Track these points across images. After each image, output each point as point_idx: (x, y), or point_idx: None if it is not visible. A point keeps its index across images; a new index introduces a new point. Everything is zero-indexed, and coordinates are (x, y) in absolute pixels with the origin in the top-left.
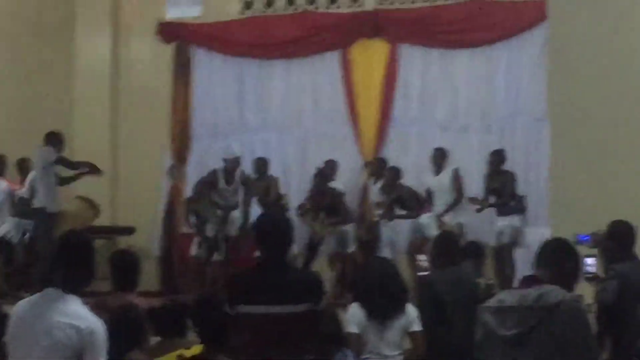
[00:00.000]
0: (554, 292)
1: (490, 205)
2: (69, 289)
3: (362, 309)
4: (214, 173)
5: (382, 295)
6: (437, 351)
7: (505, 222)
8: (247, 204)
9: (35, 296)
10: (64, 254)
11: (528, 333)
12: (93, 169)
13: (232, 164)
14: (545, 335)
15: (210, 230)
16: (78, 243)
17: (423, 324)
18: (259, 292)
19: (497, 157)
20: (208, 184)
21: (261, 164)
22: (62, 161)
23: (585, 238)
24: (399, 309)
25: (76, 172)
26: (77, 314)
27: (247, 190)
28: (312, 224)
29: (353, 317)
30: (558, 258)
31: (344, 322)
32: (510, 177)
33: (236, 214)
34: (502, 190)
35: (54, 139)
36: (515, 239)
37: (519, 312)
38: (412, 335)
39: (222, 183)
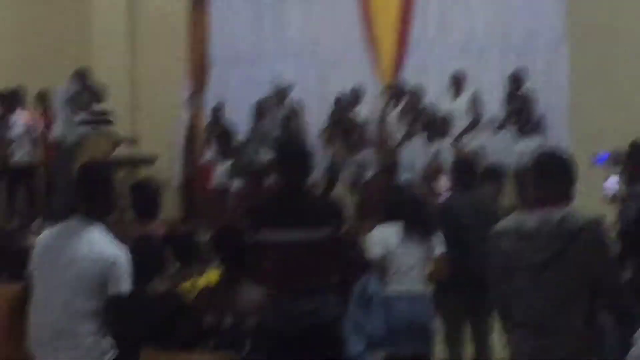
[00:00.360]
0: (575, 216)
1: (510, 126)
2: (91, 218)
3: (394, 229)
4: (264, 100)
5: (415, 215)
6: (456, 275)
7: (525, 144)
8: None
9: (59, 226)
10: (85, 185)
11: (551, 259)
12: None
13: (282, 92)
14: (568, 260)
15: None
16: (98, 173)
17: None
18: (279, 218)
19: (516, 79)
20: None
21: (282, 93)
22: (74, 102)
23: (604, 157)
24: (430, 230)
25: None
26: (100, 243)
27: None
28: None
29: (379, 239)
30: (562, 174)
31: (367, 246)
32: (529, 99)
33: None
34: (522, 112)
35: (76, 77)
36: None
37: (540, 237)
38: (435, 259)
39: (272, 110)
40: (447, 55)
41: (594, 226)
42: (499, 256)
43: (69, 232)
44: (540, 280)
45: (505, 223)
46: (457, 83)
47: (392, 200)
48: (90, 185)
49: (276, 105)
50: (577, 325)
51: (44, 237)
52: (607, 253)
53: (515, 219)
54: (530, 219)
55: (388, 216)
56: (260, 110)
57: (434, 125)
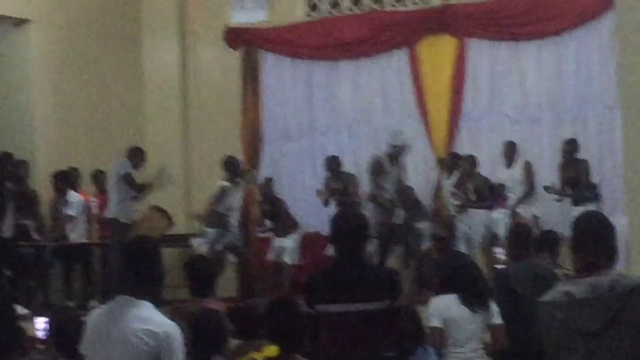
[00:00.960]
0: (625, 279)
1: (566, 195)
2: (140, 294)
3: (451, 300)
4: (378, 160)
5: (472, 284)
6: (515, 346)
7: (581, 212)
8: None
9: (108, 304)
10: (132, 261)
11: (606, 326)
12: (164, 179)
13: (398, 150)
14: (622, 325)
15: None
16: (145, 249)
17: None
18: (337, 290)
19: (571, 146)
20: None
21: (334, 163)
22: (128, 180)
23: None
24: (486, 300)
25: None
26: (151, 319)
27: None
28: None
29: (436, 310)
30: (605, 237)
31: (425, 317)
32: (584, 166)
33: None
34: (577, 180)
35: (132, 153)
36: None
37: (593, 304)
38: (492, 328)
39: (388, 167)
40: (500, 124)
41: None
42: (552, 326)
43: (117, 309)
44: (597, 348)
45: (555, 292)
46: (510, 152)
47: (448, 270)
48: (137, 262)
49: (391, 164)
50: None
51: (93, 317)
52: None
53: (565, 288)
54: (579, 287)
55: (445, 286)
56: (376, 168)
57: (489, 195)
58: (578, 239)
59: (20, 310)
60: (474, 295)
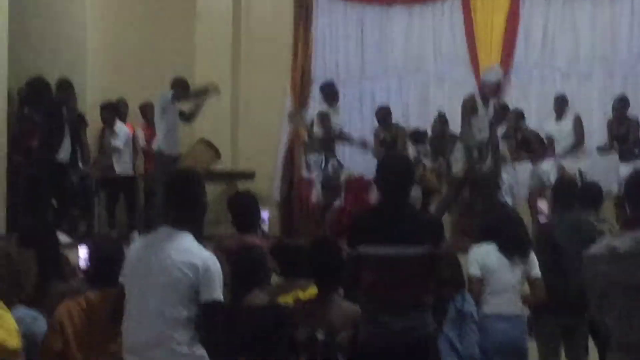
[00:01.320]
0: None
1: (615, 151)
2: (181, 226)
3: (491, 249)
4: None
5: (512, 235)
6: (553, 298)
7: (629, 168)
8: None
9: (149, 236)
10: (174, 192)
11: None
12: (210, 89)
13: (490, 87)
14: None
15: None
16: (187, 180)
17: (542, 270)
18: (380, 233)
19: (622, 103)
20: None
21: (385, 113)
22: (178, 96)
23: None
24: (526, 252)
25: (196, 97)
26: (191, 250)
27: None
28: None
29: (476, 258)
30: None
31: (465, 265)
32: (635, 123)
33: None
34: (627, 137)
35: (176, 83)
36: None
37: (635, 258)
38: (531, 281)
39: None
40: (551, 77)
41: None
42: (596, 280)
43: (158, 240)
44: (638, 302)
45: (599, 246)
46: (561, 106)
47: (490, 219)
48: (179, 193)
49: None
50: None
51: (134, 247)
52: None
53: (608, 242)
54: (624, 241)
55: (485, 235)
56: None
57: (536, 147)
58: (627, 194)
59: (64, 238)
60: (514, 247)
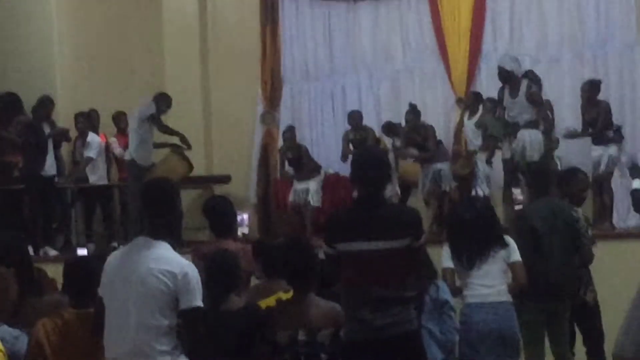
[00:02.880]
0: None
1: (588, 135)
2: (157, 235)
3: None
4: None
5: (468, 240)
6: (535, 283)
7: (601, 152)
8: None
9: (127, 246)
10: (149, 202)
11: None
12: (183, 141)
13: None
14: None
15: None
16: (161, 190)
17: (521, 257)
18: (358, 229)
19: (591, 88)
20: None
21: (357, 117)
22: (155, 120)
23: None
24: (485, 253)
25: (167, 139)
26: (168, 259)
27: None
28: (404, 167)
29: (449, 251)
30: None
31: (443, 257)
32: (605, 107)
33: None
34: (597, 120)
35: (160, 98)
36: (612, 169)
37: None
38: (511, 266)
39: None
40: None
41: None
42: None
43: (135, 251)
44: None
45: None
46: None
47: (457, 218)
48: (154, 203)
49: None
50: None
51: (112, 258)
52: None
53: None
54: None
55: (447, 236)
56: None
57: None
58: None
59: (49, 251)
60: (473, 248)
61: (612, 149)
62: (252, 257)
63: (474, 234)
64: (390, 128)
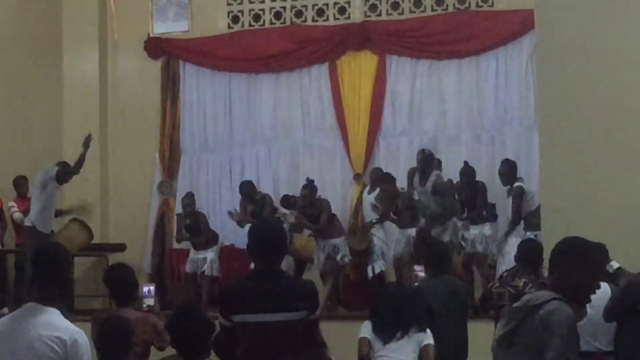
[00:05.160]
0: (541, 297)
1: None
2: (47, 302)
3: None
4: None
5: (394, 317)
6: None
7: (477, 231)
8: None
9: (15, 312)
10: (39, 267)
11: (511, 333)
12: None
13: (427, 160)
14: (523, 337)
15: None
16: (51, 256)
17: None
18: (254, 300)
19: (468, 169)
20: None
21: (248, 188)
22: (63, 174)
23: None
24: (406, 330)
25: (65, 212)
26: (57, 325)
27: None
28: (300, 242)
29: (368, 326)
30: (559, 263)
31: (362, 329)
32: (481, 188)
33: None
34: (475, 201)
35: (62, 164)
36: (487, 247)
37: (510, 312)
38: (424, 348)
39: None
40: (418, 141)
41: (550, 309)
42: None
43: (24, 317)
44: (504, 354)
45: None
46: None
47: (374, 305)
48: (44, 268)
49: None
50: None
51: (0, 324)
52: (555, 337)
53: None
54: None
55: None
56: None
57: (407, 212)
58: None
59: None
60: (394, 329)
61: (487, 229)
62: (152, 327)
63: (399, 313)
64: (287, 201)
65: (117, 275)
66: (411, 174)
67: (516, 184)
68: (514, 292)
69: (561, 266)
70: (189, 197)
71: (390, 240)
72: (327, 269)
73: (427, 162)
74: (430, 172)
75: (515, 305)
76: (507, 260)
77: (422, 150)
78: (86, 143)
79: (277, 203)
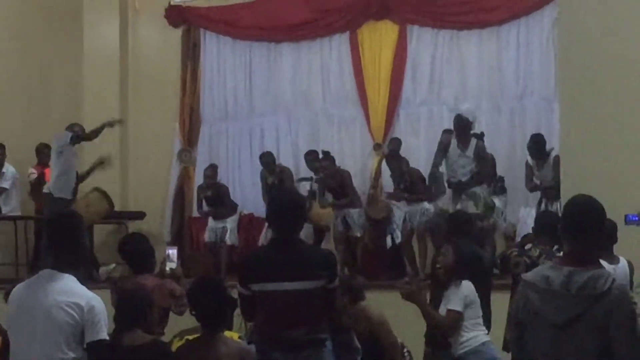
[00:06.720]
0: (601, 280)
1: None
2: (62, 268)
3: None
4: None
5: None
6: None
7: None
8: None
9: (31, 279)
10: (54, 235)
11: (574, 320)
12: (103, 162)
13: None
14: (590, 322)
15: None
16: (66, 223)
17: None
18: (272, 269)
19: (478, 143)
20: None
21: (268, 158)
22: (78, 137)
23: (634, 218)
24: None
25: (89, 169)
26: (74, 291)
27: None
28: (317, 211)
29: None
30: (592, 227)
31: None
32: (491, 161)
33: None
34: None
35: (73, 126)
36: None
37: (564, 298)
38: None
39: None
40: (438, 113)
41: (619, 292)
42: (526, 306)
43: (40, 284)
44: (560, 340)
45: (536, 274)
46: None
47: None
48: (59, 236)
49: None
50: None
51: (17, 291)
52: (631, 319)
53: (546, 272)
54: (558, 275)
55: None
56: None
57: (421, 186)
58: (568, 227)
59: None
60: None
61: (502, 200)
62: (169, 293)
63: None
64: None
65: (131, 247)
66: (445, 142)
67: (555, 154)
68: (529, 261)
69: (594, 231)
70: (212, 169)
71: (411, 211)
72: (341, 239)
73: (466, 127)
74: (469, 138)
75: (566, 291)
76: None
77: (459, 116)
78: (110, 123)
79: (296, 175)
